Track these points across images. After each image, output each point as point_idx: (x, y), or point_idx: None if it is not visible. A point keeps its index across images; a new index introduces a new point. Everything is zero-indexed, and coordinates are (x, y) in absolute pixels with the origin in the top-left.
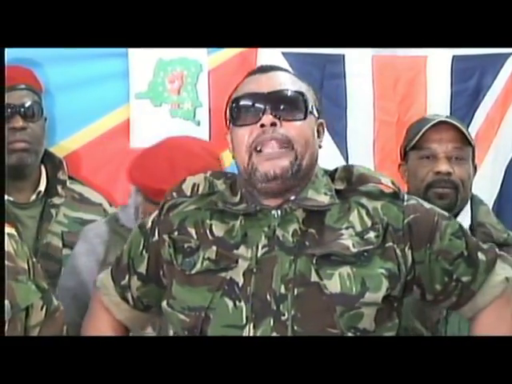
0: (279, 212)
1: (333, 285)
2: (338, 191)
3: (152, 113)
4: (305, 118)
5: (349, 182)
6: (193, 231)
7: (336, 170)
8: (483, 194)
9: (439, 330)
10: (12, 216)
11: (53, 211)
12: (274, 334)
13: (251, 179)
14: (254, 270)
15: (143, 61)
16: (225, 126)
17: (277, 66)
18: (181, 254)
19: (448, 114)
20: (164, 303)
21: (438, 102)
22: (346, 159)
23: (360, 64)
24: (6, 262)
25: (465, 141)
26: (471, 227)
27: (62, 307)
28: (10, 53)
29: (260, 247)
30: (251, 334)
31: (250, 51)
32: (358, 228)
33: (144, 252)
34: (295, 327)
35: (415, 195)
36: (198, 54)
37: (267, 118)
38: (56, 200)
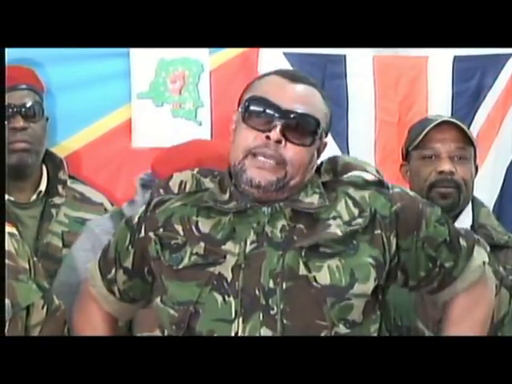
0: (269, 209)
1: (322, 277)
2: (324, 183)
3: (153, 113)
4: (310, 145)
5: (334, 173)
6: (179, 228)
7: (321, 163)
8: (484, 194)
9: (441, 329)
10: (13, 216)
11: (53, 211)
12: (264, 329)
13: (237, 177)
14: (243, 266)
15: (145, 61)
16: (235, 109)
17: (305, 77)
18: (167, 250)
19: (449, 114)
20: (158, 299)
21: (439, 102)
22: None
23: (361, 64)
24: (7, 261)
25: (467, 141)
26: (472, 229)
27: (64, 306)
28: (12, 53)
29: (248, 243)
30: (240, 329)
31: (252, 51)
32: (346, 217)
33: (130, 247)
34: (284, 321)
35: (418, 195)
36: (200, 54)
37: (275, 134)
38: (57, 200)
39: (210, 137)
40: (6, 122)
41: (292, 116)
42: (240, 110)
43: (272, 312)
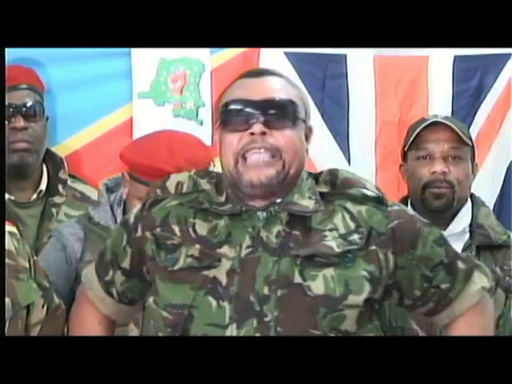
0: (264, 214)
1: (317, 286)
2: (321, 194)
3: (154, 112)
4: (294, 126)
5: (333, 186)
6: (176, 228)
7: (321, 173)
8: (485, 194)
9: (434, 329)
10: (13, 215)
11: (53, 210)
12: (258, 335)
13: (235, 183)
14: (238, 270)
15: (146, 60)
16: (214, 124)
17: (268, 70)
18: (163, 250)
19: (449, 114)
20: (150, 300)
21: (439, 102)
22: (348, 159)
23: (362, 64)
24: (7, 261)
25: (462, 140)
26: (470, 228)
27: (64, 305)
28: (12, 53)
29: (244, 247)
30: (234, 334)
31: (253, 51)
32: (342, 230)
33: (127, 247)
34: (278, 328)
35: (414, 195)
36: (201, 54)
37: (257, 127)
38: (57, 199)
39: (210, 136)
40: (6, 122)
41: (268, 105)
42: (218, 119)
43: (266, 319)
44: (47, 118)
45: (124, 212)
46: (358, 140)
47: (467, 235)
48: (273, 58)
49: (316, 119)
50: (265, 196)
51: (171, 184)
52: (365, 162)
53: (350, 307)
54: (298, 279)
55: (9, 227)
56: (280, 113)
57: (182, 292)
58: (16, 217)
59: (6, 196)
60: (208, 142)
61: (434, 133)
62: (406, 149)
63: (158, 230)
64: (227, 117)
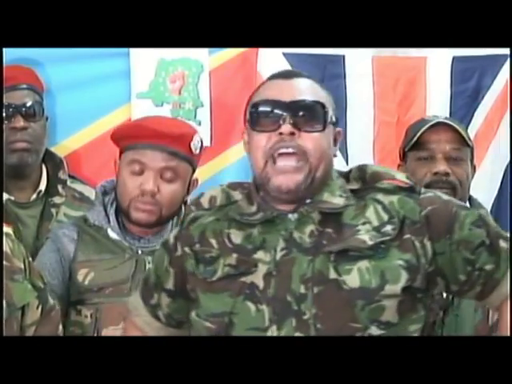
0: (296, 215)
1: (352, 280)
2: (353, 191)
3: (153, 112)
4: (323, 130)
5: (363, 181)
6: (213, 241)
7: (350, 170)
8: (482, 194)
9: (436, 331)
10: (12, 215)
11: (53, 211)
12: (297, 334)
13: (265, 186)
14: (274, 273)
15: (145, 61)
16: (243, 125)
17: (299, 72)
18: (202, 263)
19: (447, 114)
20: (193, 313)
21: (437, 103)
22: (346, 159)
23: (360, 65)
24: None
25: (463, 141)
26: None
27: (58, 306)
28: (11, 53)
29: (278, 250)
30: (275, 336)
31: (251, 52)
32: (375, 223)
33: (169, 268)
34: (317, 325)
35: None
36: (200, 54)
37: (286, 128)
38: (56, 199)
39: (209, 136)
40: (5, 122)
41: (297, 106)
42: (247, 120)
43: (305, 317)
44: (47, 118)
45: (116, 211)
46: (357, 140)
47: None
48: (271, 58)
49: None
50: (292, 200)
51: (205, 200)
52: (363, 162)
53: (387, 297)
54: (333, 275)
55: (4, 228)
56: (309, 114)
57: (221, 300)
58: (16, 217)
59: (6, 196)
60: (206, 143)
61: (436, 133)
62: (406, 149)
63: (197, 246)
64: (256, 117)
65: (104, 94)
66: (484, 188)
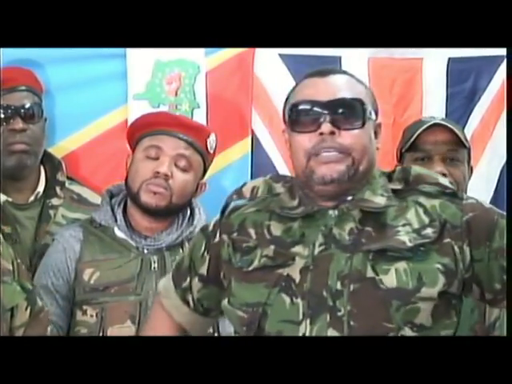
0: (336, 212)
1: (389, 280)
2: (395, 191)
3: None
4: (363, 126)
5: (406, 183)
6: (252, 231)
7: (394, 170)
8: (479, 196)
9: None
10: (10, 217)
11: (51, 212)
12: (331, 330)
13: (308, 182)
14: (311, 267)
15: (141, 62)
16: (283, 124)
17: (335, 69)
18: (239, 252)
19: (444, 115)
20: (225, 301)
21: (433, 104)
22: None
23: (356, 66)
24: None
25: (460, 143)
26: None
27: (46, 308)
28: (8, 53)
29: (317, 245)
30: (308, 330)
31: (248, 53)
32: (416, 225)
33: (205, 253)
34: (351, 322)
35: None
36: (196, 56)
37: (326, 127)
38: (54, 201)
39: None
40: (4, 123)
41: (336, 104)
42: (287, 121)
43: (339, 313)
44: (45, 120)
45: (124, 210)
46: None
47: None
48: (267, 60)
49: None
50: (336, 193)
51: (247, 189)
52: None
53: (423, 300)
54: (370, 273)
55: None
56: (348, 112)
57: (256, 291)
58: (14, 218)
59: (4, 198)
60: None
61: (433, 135)
62: (403, 150)
63: (235, 234)
64: (296, 117)
65: (101, 95)
66: (480, 189)
